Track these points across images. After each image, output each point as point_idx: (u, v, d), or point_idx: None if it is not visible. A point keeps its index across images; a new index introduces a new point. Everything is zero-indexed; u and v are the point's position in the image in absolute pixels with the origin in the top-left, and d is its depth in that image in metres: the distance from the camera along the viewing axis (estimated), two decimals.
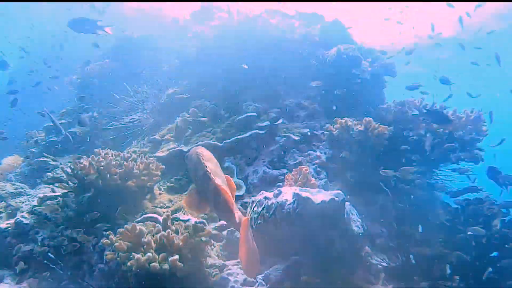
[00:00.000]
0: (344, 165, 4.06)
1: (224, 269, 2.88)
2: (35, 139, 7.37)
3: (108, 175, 3.29)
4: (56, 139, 7.03)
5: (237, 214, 2.24)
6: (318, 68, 5.37)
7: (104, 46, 9.19)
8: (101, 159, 3.32)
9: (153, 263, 2.37)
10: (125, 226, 2.64)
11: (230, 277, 2.76)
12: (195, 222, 3.11)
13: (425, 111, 3.98)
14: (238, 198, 3.57)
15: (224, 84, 5.33)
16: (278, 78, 5.21)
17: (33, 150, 6.77)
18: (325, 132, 4.29)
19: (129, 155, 3.53)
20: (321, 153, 4.09)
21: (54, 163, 6.23)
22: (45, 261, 3.17)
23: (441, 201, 4.27)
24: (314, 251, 2.76)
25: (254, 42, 5.34)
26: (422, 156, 4.20)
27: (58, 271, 3.13)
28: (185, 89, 5.73)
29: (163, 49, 8.62)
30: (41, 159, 6.26)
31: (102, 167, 3.27)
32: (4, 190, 4.98)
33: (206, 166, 2.34)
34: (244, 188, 3.64)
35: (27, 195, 5.10)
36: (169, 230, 2.58)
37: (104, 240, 2.68)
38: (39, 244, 3.32)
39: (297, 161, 3.95)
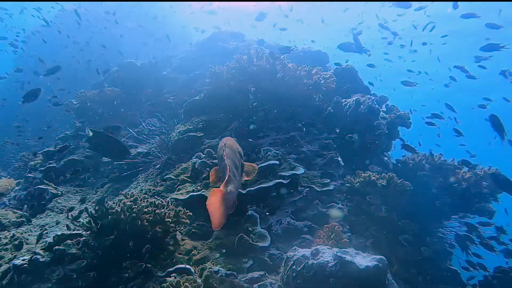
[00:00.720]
0: (365, 217, 4.14)
1: None
2: (33, 163, 7.22)
3: (139, 222, 3.25)
4: (55, 165, 6.90)
5: (227, 187, 2.67)
6: (335, 115, 5.48)
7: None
8: (133, 205, 3.28)
9: None
10: None
11: None
12: (225, 273, 3.10)
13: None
14: (264, 249, 3.56)
15: (239, 125, 5.36)
16: (294, 123, 5.28)
17: (31, 175, 6.61)
18: (346, 184, 4.37)
19: (159, 201, 3.49)
20: (342, 205, 4.15)
21: (54, 191, 6.10)
22: None
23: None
24: None
25: (271, 86, 5.42)
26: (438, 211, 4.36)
27: None
28: (197, 126, 5.72)
29: (169, 79, 8.63)
30: (41, 186, 6.12)
31: (134, 214, 3.23)
32: (6, 219, 4.84)
33: (224, 150, 3.01)
34: (269, 239, 3.62)
35: (29, 224, 4.97)
36: None
37: None
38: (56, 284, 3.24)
39: (321, 212, 3.98)
